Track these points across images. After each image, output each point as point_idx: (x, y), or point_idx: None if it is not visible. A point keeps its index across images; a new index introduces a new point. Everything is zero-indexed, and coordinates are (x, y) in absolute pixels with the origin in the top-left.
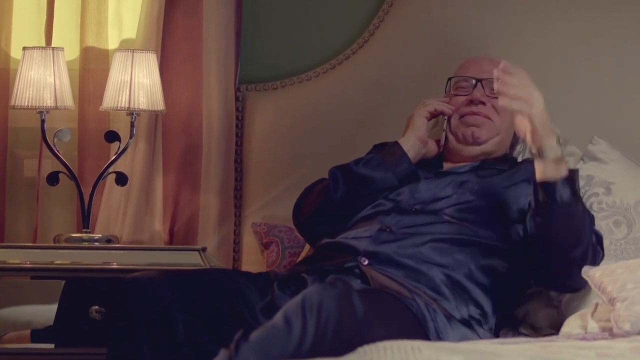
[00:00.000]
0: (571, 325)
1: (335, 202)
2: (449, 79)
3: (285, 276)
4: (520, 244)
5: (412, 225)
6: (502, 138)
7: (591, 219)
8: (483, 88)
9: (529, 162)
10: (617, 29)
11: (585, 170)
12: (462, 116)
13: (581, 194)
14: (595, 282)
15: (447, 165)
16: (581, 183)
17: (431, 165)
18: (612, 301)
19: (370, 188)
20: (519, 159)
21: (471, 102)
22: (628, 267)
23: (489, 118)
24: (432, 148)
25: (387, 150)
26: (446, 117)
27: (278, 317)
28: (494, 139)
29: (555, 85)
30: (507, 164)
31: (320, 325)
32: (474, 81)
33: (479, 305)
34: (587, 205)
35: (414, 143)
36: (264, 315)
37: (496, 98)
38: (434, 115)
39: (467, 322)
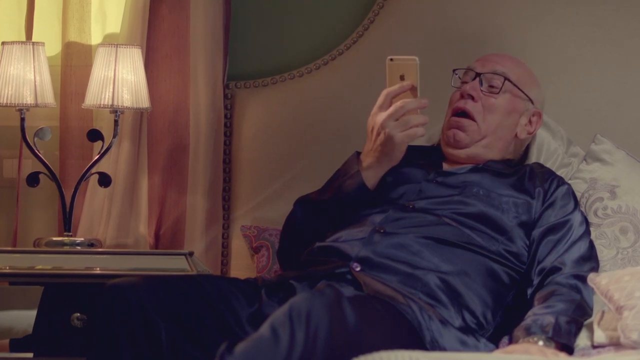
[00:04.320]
0: None
1: (303, 235)
2: (453, 70)
3: (273, 282)
4: (521, 254)
5: (409, 226)
6: (490, 141)
7: (582, 311)
8: (481, 83)
9: (532, 170)
10: (622, 25)
11: (588, 172)
12: (452, 113)
13: (585, 200)
14: (601, 290)
15: (446, 166)
16: (584, 187)
17: (431, 166)
18: (619, 309)
19: (335, 212)
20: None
21: (462, 97)
22: (636, 274)
23: (473, 119)
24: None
25: (349, 180)
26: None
27: (264, 327)
28: (479, 143)
29: (557, 82)
30: (511, 169)
31: (309, 335)
32: (474, 74)
33: (474, 315)
34: (592, 210)
35: (382, 174)
36: (251, 324)
37: (490, 94)
38: None
39: (463, 329)
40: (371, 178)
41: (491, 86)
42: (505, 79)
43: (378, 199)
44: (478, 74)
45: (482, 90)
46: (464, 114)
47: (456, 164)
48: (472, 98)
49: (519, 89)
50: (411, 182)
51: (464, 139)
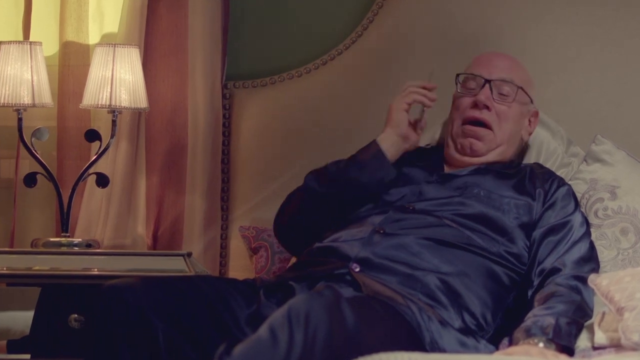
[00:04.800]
0: None
1: (312, 205)
2: (458, 75)
3: (272, 283)
4: (522, 255)
5: (408, 227)
6: (504, 149)
7: (582, 312)
8: (491, 90)
9: (533, 171)
10: (622, 25)
11: (588, 173)
12: (464, 122)
13: (585, 200)
14: (602, 291)
15: (448, 169)
16: (585, 187)
17: (433, 168)
18: (620, 311)
19: (349, 189)
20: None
21: (476, 105)
22: (636, 275)
23: (490, 128)
24: (414, 141)
25: (365, 149)
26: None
27: (263, 329)
28: (494, 151)
29: (557, 82)
30: (513, 169)
31: (308, 336)
32: (482, 80)
33: (474, 316)
34: (592, 211)
35: (394, 141)
36: (249, 325)
37: (503, 103)
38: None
39: (463, 330)
40: (383, 145)
41: (501, 93)
42: (518, 87)
43: (378, 200)
44: (487, 81)
45: (493, 99)
46: (479, 122)
47: (458, 166)
48: (488, 108)
49: (526, 93)
50: (412, 184)
51: (481, 148)
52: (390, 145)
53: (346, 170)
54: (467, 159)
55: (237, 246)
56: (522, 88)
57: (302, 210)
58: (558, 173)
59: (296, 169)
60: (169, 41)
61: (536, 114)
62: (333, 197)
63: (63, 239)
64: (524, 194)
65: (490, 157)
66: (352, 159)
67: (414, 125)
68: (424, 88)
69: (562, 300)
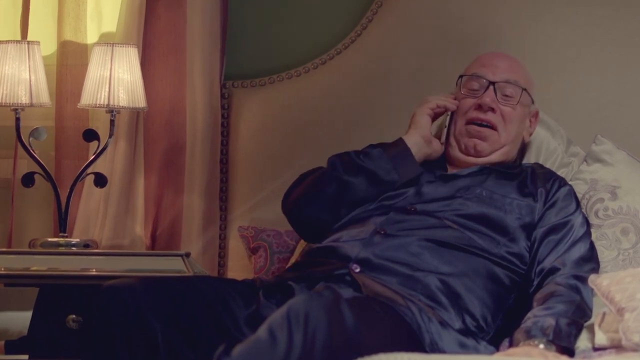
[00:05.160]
0: None
1: (331, 189)
2: (460, 76)
3: (271, 284)
4: (523, 255)
5: (409, 228)
6: (508, 149)
7: (582, 312)
8: (495, 92)
9: (534, 171)
10: (622, 25)
11: (589, 173)
12: (468, 122)
13: (586, 201)
14: (602, 291)
15: (451, 169)
16: (585, 188)
17: (435, 168)
18: (620, 311)
19: (369, 179)
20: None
21: (480, 107)
22: (637, 275)
23: (495, 129)
24: (437, 148)
25: (390, 145)
26: (449, 113)
27: (262, 329)
28: (498, 151)
29: (557, 82)
30: (515, 169)
31: (307, 337)
32: (486, 82)
33: (474, 317)
34: (593, 211)
35: (417, 141)
36: (248, 325)
37: (508, 105)
38: (438, 112)
39: (463, 332)
40: (408, 143)
41: (505, 95)
42: (522, 89)
43: (379, 200)
44: (492, 83)
45: (498, 100)
46: (483, 123)
47: (461, 166)
48: (492, 110)
49: (529, 95)
50: (413, 184)
51: (486, 148)
52: (414, 144)
53: (372, 160)
54: (471, 159)
55: (235, 246)
56: (525, 90)
57: (317, 188)
58: (558, 173)
59: (295, 169)
60: (167, 40)
61: (536, 114)
62: (349, 187)
63: (61, 239)
64: (526, 195)
65: (494, 157)
66: (374, 150)
67: (437, 138)
68: None
69: (562, 300)
